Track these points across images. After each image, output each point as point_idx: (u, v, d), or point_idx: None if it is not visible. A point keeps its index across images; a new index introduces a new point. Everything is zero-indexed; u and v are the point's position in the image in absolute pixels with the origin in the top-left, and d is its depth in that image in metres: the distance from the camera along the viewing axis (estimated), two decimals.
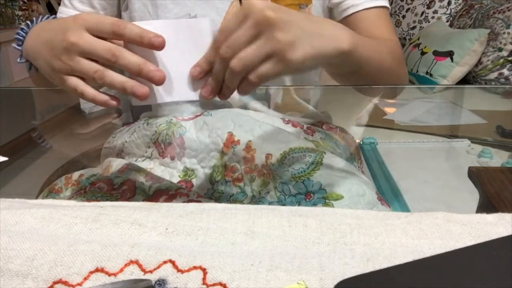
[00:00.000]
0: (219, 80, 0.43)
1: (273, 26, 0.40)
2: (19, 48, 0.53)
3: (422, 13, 2.60)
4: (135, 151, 0.61)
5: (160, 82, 0.41)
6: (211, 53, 0.43)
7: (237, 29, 0.40)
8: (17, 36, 0.54)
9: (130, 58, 0.41)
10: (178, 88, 0.44)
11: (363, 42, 0.51)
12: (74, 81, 0.43)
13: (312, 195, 0.54)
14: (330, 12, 0.72)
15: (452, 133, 1.55)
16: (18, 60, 0.53)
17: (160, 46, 0.41)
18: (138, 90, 0.41)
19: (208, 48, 0.43)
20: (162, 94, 0.44)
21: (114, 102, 0.43)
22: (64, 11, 0.72)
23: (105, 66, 0.42)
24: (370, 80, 0.61)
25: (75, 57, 0.42)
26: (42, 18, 0.54)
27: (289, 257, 0.30)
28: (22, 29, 0.53)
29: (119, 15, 0.72)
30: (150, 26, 0.42)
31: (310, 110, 0.74)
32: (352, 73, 0.55)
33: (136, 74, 0.41)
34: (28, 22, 0.54)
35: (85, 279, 0.29)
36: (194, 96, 0.45)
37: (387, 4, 0.70)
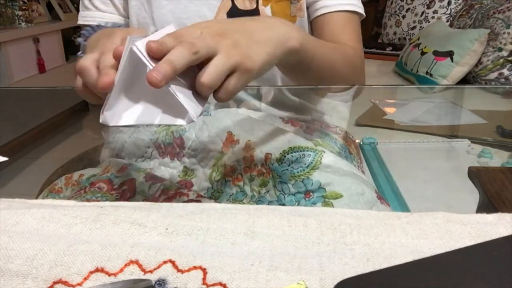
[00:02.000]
0: (174, 63, 0.39)
1: (222, 35, 0.41)
2: (84, 42, 0.54)
3: (422, 13, 2.60)
4: (135, 151, 0.61)
5: (104, 88, 0.38)
6: (167, 39, 0.40)
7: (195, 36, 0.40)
8: (84, 31, 0.54)
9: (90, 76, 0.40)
10: (151, 110, 0.41)
11: (314, 42, 0.53)
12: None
13: (311, 194, 0.54)
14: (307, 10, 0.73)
15: (452, 133, 1.55)
16: (79, 53, 0.53)
17: (103, 88, 0.39)
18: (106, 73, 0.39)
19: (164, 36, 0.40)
20: (130, 116, 0.41)
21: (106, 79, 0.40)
22: (88, 15, 0.72)
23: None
24: (322, 81, 0.63)
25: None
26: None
27: (289, 257, 0.30)
28: (91, 27, 0.55)
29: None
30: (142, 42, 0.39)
31: (309, 110, 0.74)
32: (301, 71, 0.56)
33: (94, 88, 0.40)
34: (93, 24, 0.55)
35: (85, 279, 0.29)
36: (167, 119, 0.41)
37: (361, 11, 0.70)
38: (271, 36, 0.45)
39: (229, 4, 0.66)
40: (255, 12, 0.67)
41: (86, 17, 0.72)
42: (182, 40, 0.39)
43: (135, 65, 0.39)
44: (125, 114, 0.40)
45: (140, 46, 0.39)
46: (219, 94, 0.41)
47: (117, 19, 0.71)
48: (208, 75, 0.39)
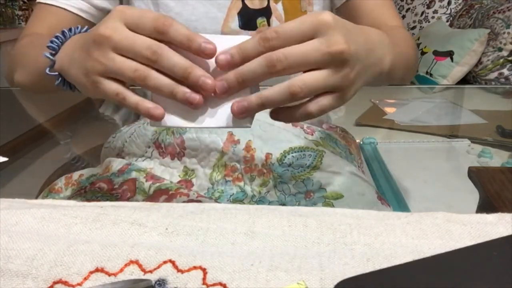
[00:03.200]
0: (245, 79, 0.36)
1: (346, 62, 0.35)
2: (52, 58, 0.44)
3: (422, 13, 2.60)
4: (135, 151, 0.61)
5: (209, 91, 0.35)
6: (252, 45, 0.35)
7: (302, 44, 0.35)
8: (51, 44, 0.44)
9: (176, 58, 0.35)
10: (208, 112, 0.38)
11: (398, 52, 0.47)
12: (112, 85, 0.37)
13: (312, 194, 0.54)
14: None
15: (452, 133, 1.55)
16: (47, 70, 0.44)
17: (211, 54, 0.35)
18: (192, 99, 0.35)
19: (248, 39, 0.36)
20: (187, 117, 0.37)
21: (159, 112, 0.36)
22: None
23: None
24: (396, 80, 0.58)
25: (109, 53, 0.36)
26: (81, 29, 0.45)
27: (289, 257, 0.30)
28: (57, 37, 0.44)
29: None
30: None
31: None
32: (385, 82, 0.53)
33: (182, 79, 0.35)
34: (65, 30, 0.45)
35: (85, 279, 0.29)
36: (226, 123, 0.38)
37: None
38: (374, 62, 0.41)
39: (240, 4, 0.65)
40: (267, 10, 0.66)
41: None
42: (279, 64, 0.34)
43: (194, 57, 0.36)
44: (177, 114, 0.37)
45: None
46: (310, 106, 0.36)
47: (83, 5, 0.64)
48: (304, 86, 0.35)
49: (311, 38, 0.35)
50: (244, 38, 0.36)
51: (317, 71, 0.35)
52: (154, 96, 0.37)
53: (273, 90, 0.35)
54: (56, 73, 0.44)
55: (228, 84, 0.35)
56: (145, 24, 0.35)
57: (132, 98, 0.37)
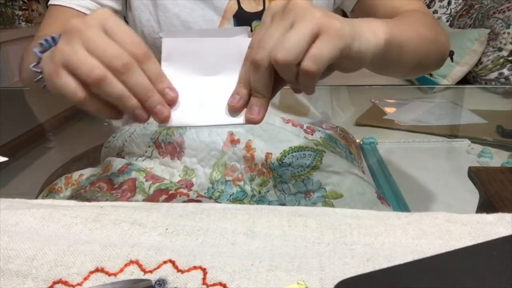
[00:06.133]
0: (265, 96, 0.36)
1: (306, 8, 0.35)
2: (39, 54, 0.42)
3: None
4: (135, 150, 0.61)
5: (163, 120, 0.36)
6: (245, 69, 0.37)
7: (267, 28, 0.36)
8: (43, 41, 0.43)
9: (141, 78, 0.35)
10: (210, 110, 0.39)
11: (396, 24, 0.45)
12: (66, 80, 0.34)
13: (312, 194, 0.54)
14: None
15: (452, 133, 1.55)
16: (31, 66, 0.42)
17: (171, 101, 0.36)
18: (140, 115, 0.35)
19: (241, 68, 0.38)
20: (192, 116, 0.38)
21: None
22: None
23: None
24: (416, 63, 0.54)
25: (76, 44, 0.34)
26: None
27: (289, 257, 0.30)
28: (53, 36, 0.43)
29: (124, 15, 0.71)
30: (189, 44, 0.38)
31: (309, 110, 0.74)
32: (396, 62, 0.48)
33: (141, 100, 0.35)
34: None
35: (85, 279, 0.29)
36: (233, 120, 0.38)
37: None
38: (357, 31, 0.38)
39: (236, 7, 0.65)
40: (262, 13, 0.66)
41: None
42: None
43: (194, 59, 0.38)
44: (181, 113, 0.38)
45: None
46: (304, 63, 0.34)
47: (92, 5, 0.64)
48: (284, 49, 0.33)
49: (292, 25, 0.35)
50: (234, 29, 0.39)
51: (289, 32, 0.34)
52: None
53: (256, 81, 0.36)
54: (39, 70, 0.42)
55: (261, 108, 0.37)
56: (123, 40, 0.35)
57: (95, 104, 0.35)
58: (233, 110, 0.38)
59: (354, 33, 0.37)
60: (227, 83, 0.39)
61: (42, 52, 0.42)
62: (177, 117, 0.38)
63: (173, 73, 0.38)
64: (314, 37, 0.34)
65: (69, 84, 0.34)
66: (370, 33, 0.39)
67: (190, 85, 0.39)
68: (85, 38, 0.34)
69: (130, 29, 0.36)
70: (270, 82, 0.36)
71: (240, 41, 0.38)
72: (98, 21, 0.35)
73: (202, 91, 0.39)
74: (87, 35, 0.34)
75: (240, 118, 0.38)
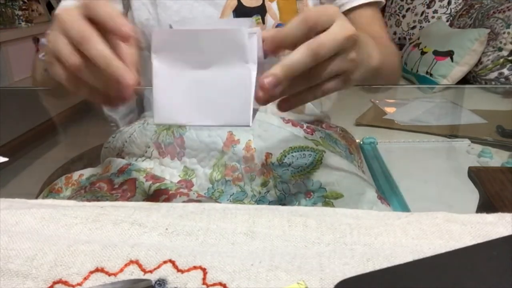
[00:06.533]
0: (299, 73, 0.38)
1: (356, 44, 0.39)
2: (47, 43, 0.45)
3: (422, 12, 2.60)
4: (135, 151, 0.61)
5: (126, 87, 0.35)
6: (297, 27, 0.37)
7: (328, 30, 0.37)
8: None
9: (100, 47, 0.35)
10: (209, 109, 0.37)
11: (383, 53, 0.51)
12: (57, 69, 0.37)
13: (312, 194, 0.54)
14: None
15: (452, 133, 1.55)
16: (40, 55, 0.45)
17: (126, 88, 0.35)
18: (124, 74, 0.34)
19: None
20: (189, 114, 0.37)
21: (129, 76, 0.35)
22: (64, 5, 0.69)
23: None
24: (379, 83, 0.64)
25: (59, 35, 0.36)
26: None
27: (289, 257, 0.30)
28: None
29: (125, 15, 0.71)
30: (181, 35, 0.36)
31: (309, 108, 0.74)
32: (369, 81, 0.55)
33: (104, 68, 0.35)
34: None
35: (85, 279, 0.29)
36: (227, 121, 0.37)
37: None
38: (368, 53, 0.45)
39: (235, 2, 0.66)
40: (262, 8, 0.67)
41: (62, 7, 0.69)
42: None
43: (187, 52, 0.36)
44: (178, 111, 0.37)
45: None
46: (317, 90, 0.39)
47: None
48: (323, 66, 0.37)
49: (331, 24, 0.37)
50: (238, 21, 0.37)
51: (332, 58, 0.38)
52: (156, 94, 0.37)
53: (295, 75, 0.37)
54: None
55: (277, 81, 0.36)
56: (101, 18, 0.35)
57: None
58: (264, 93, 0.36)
59: (360, 71, 0.42)
60: (221, 76, 0.37)
61: None
62: (174, 114, 0.37)
63: (163, 66, 0.37)
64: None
65: (60, 72, 0.37)
66: (370, 62, 0.46)
67: (185, 80, 0.37)
68: (62, 27, 0.36)
69: (113, 10, 0.36)
70: None
71: (237, 33, 0.36)
72: (81, 9, 0.36)
73: (198, 86, 0.37)
74: (63, 25, 0.36)
75: (241, 119, 0.37)
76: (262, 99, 0.36)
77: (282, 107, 0.40)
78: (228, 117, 0.37)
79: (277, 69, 0.36)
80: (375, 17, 0.70)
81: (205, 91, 0.37)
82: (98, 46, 0.35)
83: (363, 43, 0.42)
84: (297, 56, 0.36)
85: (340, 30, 0.37)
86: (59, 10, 0.37)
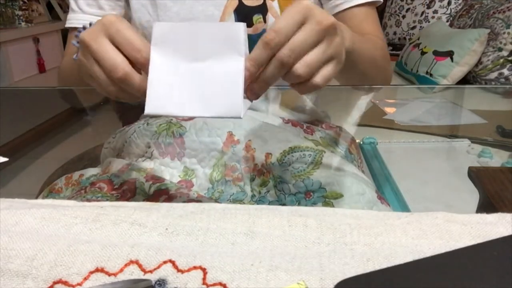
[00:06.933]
0: (270, 83, 0.40)
1: (335, 31, 0.41)
2: (78, 45, 0.49)
3: (422, 13, 2.60)
4: (135, 151, 0.61)
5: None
6: (260, 53, 0.39)
7: (298, 32, 0.39)
8: (78, 33, 0.49)
9: (135, 87, 0.39)
10: (201, 101, 0.38)
11: (358, 39, 0.53)
12: (95, 85, 0.42)
13: (312, 194, 0.54)
14: (320, 6, 0.72)
15: (452, 133, 1.55)
16: (74, 56, 0.49)
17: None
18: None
19: (254, 49, 0.39)
20: (181, 105, 0.38)
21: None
22: (73, 18, 0.72)
23: None
24: (362, 79, 0.63)
25: (90, 58, 0.41)
26: None
27: (289, 257, 0.30)
28: (83, 29, 0.49)
29: (126, 15, 0.72)
30: (181, 29, 0.38)
31: (309, 107, 0.74)
32: (347, 70, 0.55)
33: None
34: (86, 24, 0.49)
35: (85, 279, 0.29)
36: (218, 112, 0.38)
37: None
38: (344, 37, 0.46)
39: (236, 2, 0.66)
40: (263, 7, 0.67)
41: (71, 20, 0.72)
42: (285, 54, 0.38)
43: (185, 45, 0.38)
44: (170, 102, 0.38)
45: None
46: (315, 79, 0.40)
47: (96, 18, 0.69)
48: (307, 67, 0.39)
49: (302, 23, 0.39)
50: (234, 25, 0.38)
51: (316, 48, 0.40)
52: (150, 85, 0.38)
53: (271, 72, 0.39)
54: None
55: (258, 93, 0.40)
56: (123, 49, 0.39)
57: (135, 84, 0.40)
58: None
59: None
60: (214, 69, 0.38)
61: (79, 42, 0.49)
62: (166, 105, 0.38)
63: (162, 58, 0.38)
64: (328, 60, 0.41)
65: (98, 89, 0.42)
66: (346, 43, 0.46)
67: (181, 72, 0.38)
68: (92, 51, 0.40)
69: (133, 34, 0.39)
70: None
71: (233, 27, 0.38)
72: (103, 31, 0.40)
73: (193, 78, 0.38)
74: (93, 49, 0.40)
75: (232, 111, 0.38)
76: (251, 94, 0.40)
77: (299, 90, 0.42)
78: (219, 109, 0.38)
79: (255, 86, 0.40)
80: (369, 17, 0.70)
81: (198, 83, 0.38)
82: (135, 83, 0.39)
83: (340, 25, 0.43)
84: (269, 71, 0.39)
85: (313, 26, 0.39)
86: (85, 34, 0.40)
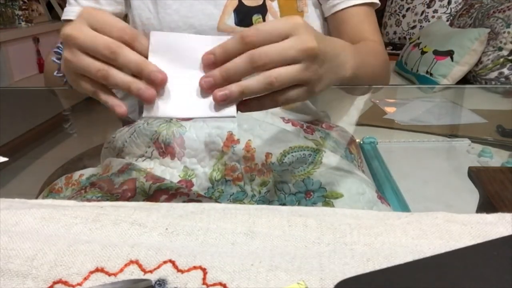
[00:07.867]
0: (231, 78, 0.39)
1: (316, 58, 0.40)
2: (58, 62, 0.50)
3: (422, 12, 2.60)
4: (135, 151, 0.61)
5: (160, 84, 0.38)
6: (232, 44, 0.38)
7: (278, 42, 0.38)
8: (57, 49, 0.51)
9: (131, 56, 0.38)
10: (196, 103, 0.40)
11: (361, 60, 0.52)
12: (84, 84, 0.41)
13: (312, 193, 0.54)
14: (319, 6, 0.72)
15: (452, 132, 1.55)
16: (55, 73, 0.50)
17: (161, 83, 0.38)
18: (144, 93, 0.38)
19: (229, 39, 0.39)
20: (177, 108, 0.40)
21: (120, 110, 0.40)
22: (69, 10, 0.71)
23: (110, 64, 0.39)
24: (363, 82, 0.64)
25: (77, 52, 0.39)
26: None
27: (289, 257, 0.30)
28: (59, 47, 0.51)
29: (122, 13, 0.72)
30: (176, 38, 0.40)
31: (309, 107, 0.74)
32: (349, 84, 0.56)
33: (137, 74, 0.39)
34: None
35: (85, 279, 0.29)
36: (213, 113, 0.40)
37: (376, 0, 0.71)
38: (338, 64, 0.45)
39: (236, 2, 0.66)
40: (262, 7, 0.67)
41: (67, 12, 0.71)
42: (260, 59, 0.38)
43: (180, 53, 0.40)
44: (167, 105, 0.40)
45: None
46: (279, 97, 0.40)
47: None
48: (280, 77, 0.38)
49: (286, 37, 0.39)
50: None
51: (291, 66, 0.39)
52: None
53: (252, 80, 0.39)
54: (61, 74, 0.49)
55: (214, 80, 0.39)
56: (109, 30, 0.39)
57: (101, 96, 0.40)
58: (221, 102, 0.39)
59: (326, 82, 0.43)
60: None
61: (59, 58, 0.49)
62: (163, 108, 0.40)
63: (159, 64, 0.39)
64: (299, 83, 0.40)
65: (87, 88, 0.41)
66: (341, 72, 0.46)
67: (176, 77, 0.40)
68: (79, 44, 0.39)
69: (113, 18, 0.40)
70: None
71: (223, 40, 0.40)
72: (84, 22, 0.39)
73: (188, 84, 0.40)
74: (80, 41, 0.39)
75: (226, 111, 0.40)
76: (218, 99, 0.38)
77: (241, 109, 0.41)
78: (215, 110, 0.40)
79: (216, 71, 0.38)
80: (368, 18, 0.70)
81: (194, 87, 0.40)
82: (129, 55, 0.38)
83: (330, 55, 0.42)
84: (235, 61, 0.38)
85: (294, 43, 0.38)
86: (68, 29, 0.40)
